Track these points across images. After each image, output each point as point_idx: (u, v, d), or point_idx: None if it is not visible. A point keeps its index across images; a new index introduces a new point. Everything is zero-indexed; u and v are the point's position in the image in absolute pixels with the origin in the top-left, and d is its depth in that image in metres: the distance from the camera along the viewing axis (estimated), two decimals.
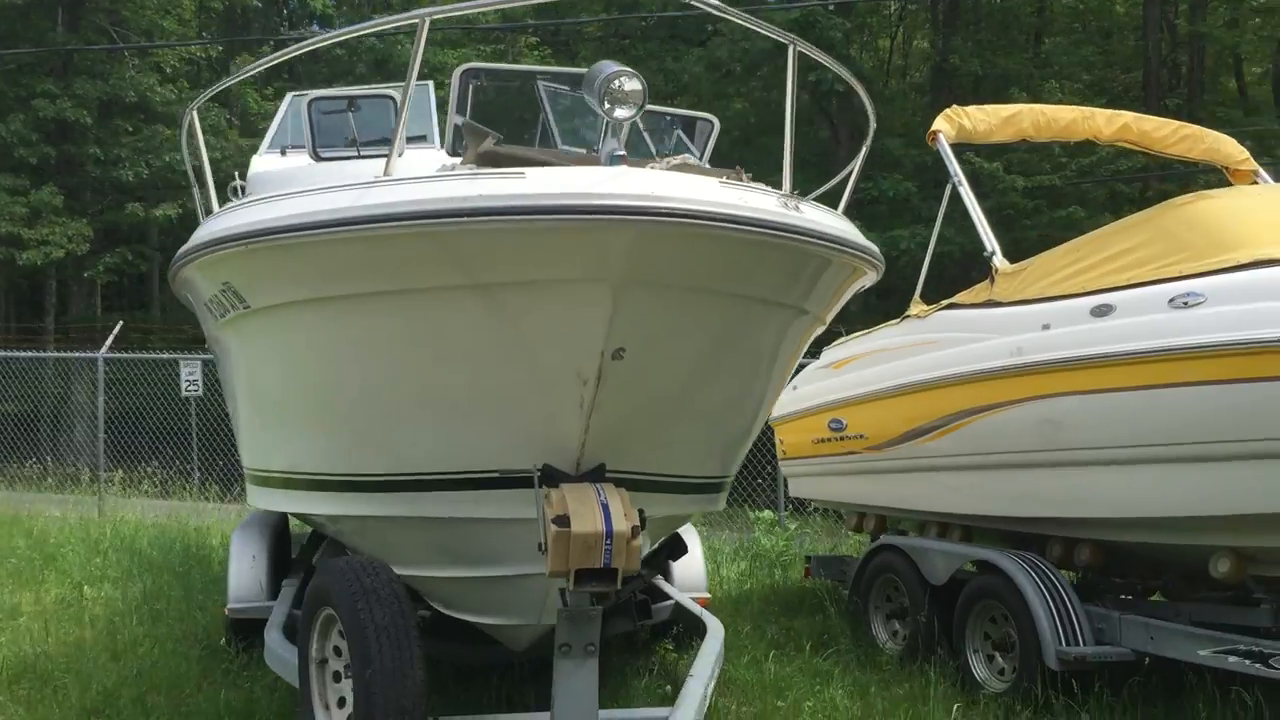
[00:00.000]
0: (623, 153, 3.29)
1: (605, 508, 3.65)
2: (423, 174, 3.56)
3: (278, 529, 7.64)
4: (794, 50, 3.74)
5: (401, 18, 3.54)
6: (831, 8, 22.08)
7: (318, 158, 5.73)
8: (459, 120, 3.68)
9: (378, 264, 3.59)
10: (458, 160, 4.87)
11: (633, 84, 3.29)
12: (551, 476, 3.85)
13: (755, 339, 3.86)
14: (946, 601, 7.13)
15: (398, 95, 5.70)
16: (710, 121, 5.87)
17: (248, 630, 7.18)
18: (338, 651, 4.32)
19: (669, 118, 6.31)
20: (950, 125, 7.70)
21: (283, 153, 6.67)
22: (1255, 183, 8.06)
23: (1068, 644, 6.11)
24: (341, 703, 4.29)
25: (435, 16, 3.43)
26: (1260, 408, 5.15)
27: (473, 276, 3.43)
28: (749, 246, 3.33)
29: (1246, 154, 8.26)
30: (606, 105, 3.29)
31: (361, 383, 4.11)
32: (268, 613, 7.02)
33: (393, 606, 3.98)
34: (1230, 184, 8.20)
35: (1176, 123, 8.49)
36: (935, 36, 25.96)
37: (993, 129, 7.86)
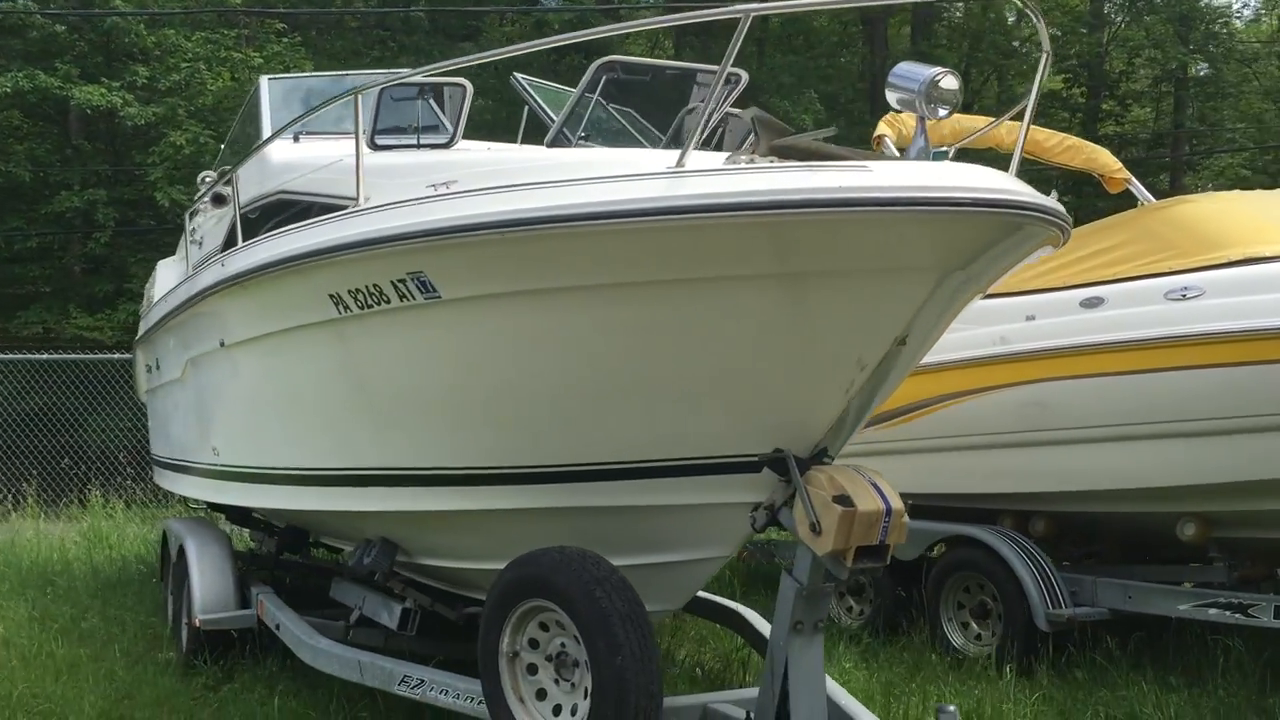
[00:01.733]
0: (945, 150, 3.49)
1: (875, 486, 3.84)
2: (720, 167, 3.60)
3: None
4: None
5: (724, 12, 3.56)
6: None
7: (375, 146, 5.55)
8: (754, 113, 3.71)
9: (668, 254, 3.63)
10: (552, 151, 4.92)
11: (952, 83, 3.49)
12: (785, 461, 4.00)
13: (952, 314, 4.08)
14: (911, 578, 7.62)
15: (467, 82, 5.62)
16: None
17: (221, 642, 6.82)
18: (533, 644, 4.28)
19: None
20: (892, 129, 8.22)
21: (296, 139, 6.38)
22: (1128, 190, 9.00)
23: (1054, 607, 6.71)
24: (541, 695, 4.25)
25: (759, 13, 3.49)
26: (1253, 388, 5.90)
27: (785, 265, 3.52)
28: (1008, 227, 3.56)
29: (1120, 164, 9.22)
30: (930, 105, 3.47)
31: (577, 372, 4.10)
32: (242, 622, 6.74)
33: (628, 593, 4.01)
34: (1107, 190, 9.16)
35: (1061, 134, 9.37)
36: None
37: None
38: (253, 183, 5.90)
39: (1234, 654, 6.21)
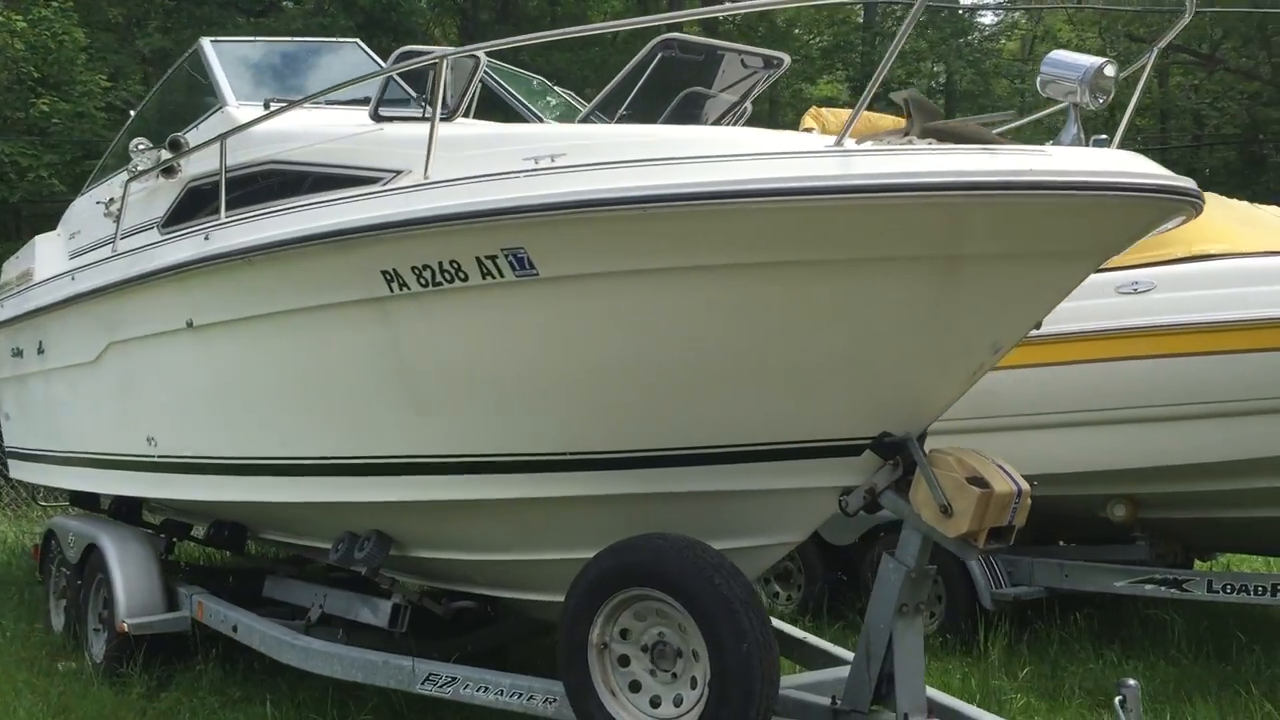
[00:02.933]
0: (1104, 136, 3.57)
1: (1001, 467, 3.90)
2: (885, 148, 3.56)
3: None
4: None
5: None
6: None
7: (378, 117, 5.23)
8: (908, 94, 3.66)
9: (821, 233, 3.57)
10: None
11: (1112, 71, 3.57)
12: (893, 444, 4.02)
13: None
14: (848, 562, 7.79)
15: (482, 54, 5.39)
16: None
17: (151, 648, 6.33)
18: (624, 634, 4.15)
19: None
20: (818, 123, 8.36)
21: (266, 105, 5.90)
22: None
23: (997, 587, 7.01)
24: (635, 687, 4.12)
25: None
26: (1195, 377, 6.33)
27: (947, 248, 3.52)
28: (1170, 211, 3.67)
29: None
30: (1092, 94, 3.54)
31: (685, 354, 3.98)
32: (176, 625, 6.31)
33: (742, 579, 3.95)
34: None
35: None
36: None
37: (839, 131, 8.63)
38: (231, 151, 5.45)
39: (1176, 626, 6.63)
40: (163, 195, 6.24)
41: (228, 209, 5.44)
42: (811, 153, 3.60)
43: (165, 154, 6.10)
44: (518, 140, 4.38)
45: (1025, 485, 3.89)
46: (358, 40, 6.89)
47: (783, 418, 4.10)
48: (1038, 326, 3.88)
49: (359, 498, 5.11)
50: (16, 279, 8.17)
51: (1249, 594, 6.57)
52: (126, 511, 7.61)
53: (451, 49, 4.41)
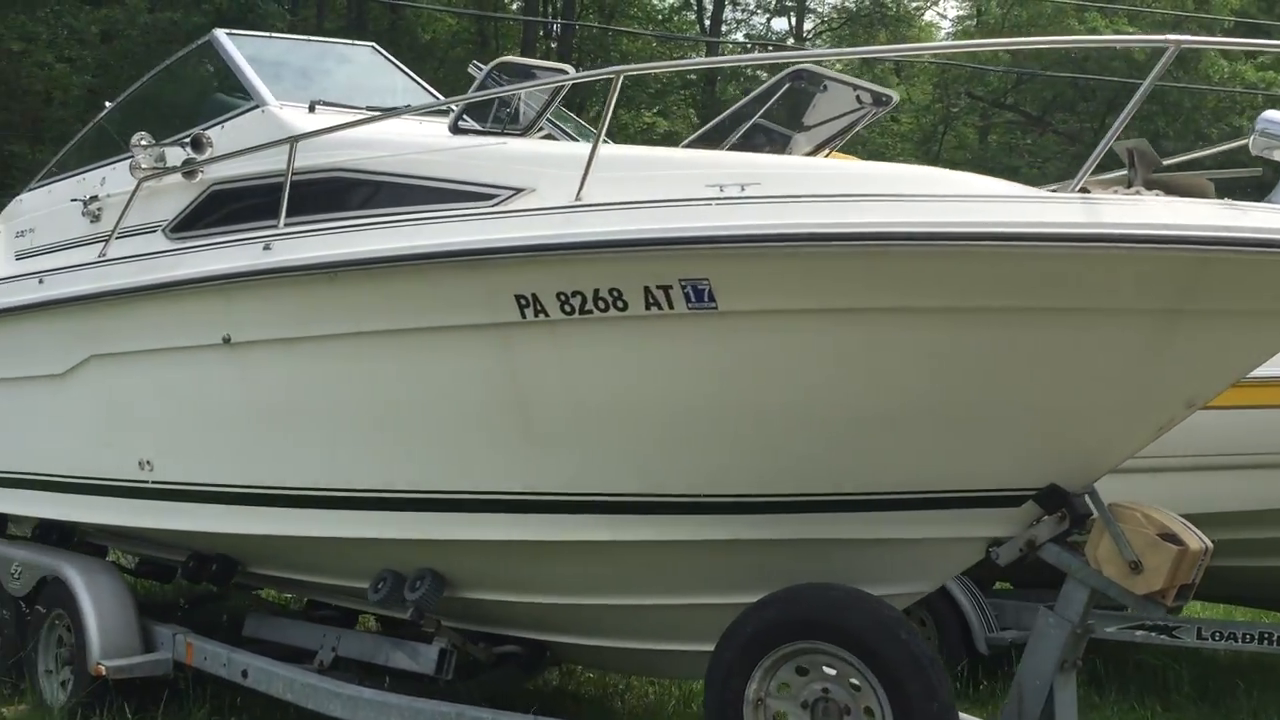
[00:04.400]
0: None
1: (1185, 524, 3.88)
2: (1119, 196, 3.48)
3: None
4: None
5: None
6: None
7: (457, 129, 4.90)
8: (1134, 144, 3.56)
9: (1045, 280, 3.47)
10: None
11: None
12: (1062, 496, 3.96)
13: None
14: None
15: (570, 69, 5.14)
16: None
17: (127, 692, 5.77)
18: (781, 689, 3.94)
19: None
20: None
21: (311, 108, 5.44)
22: None
23: (991, 631, 7.07)
24: None
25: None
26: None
27: (1172, 301, 3.47)
28: None
29: None
30: None
31: (865, 396, 3.83)
32: (158, 668, 5.79)
33: (917, 633, 3.83)
34: None
35: None
36: None
37: None
38: (279, 156, 5.02)
39: (1172, 672, 6.79)
40: (170, 197, 5.71)
41: (275, 217, 5.02)
42: (1053, 198, 3.51)
43: (183, 152, 5.57)
44: (690, 165, 4.15)
45: (1210, 543, 3.88)
46: (374, 45, 6.50)
47: (949, 466, 3.99)
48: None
49: (433, 534, 4.77)
50: None
51: (1237, 640, 6.78)
52: (58, 538, 6.95)
53: (618, 68, 4.13)
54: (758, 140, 5.28)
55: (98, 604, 5.85)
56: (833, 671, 3.88)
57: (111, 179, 6.24)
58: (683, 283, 3.81)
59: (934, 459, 3.98)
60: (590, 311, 4.02)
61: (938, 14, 35.49)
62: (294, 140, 4.85)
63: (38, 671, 6.21)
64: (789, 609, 3.91)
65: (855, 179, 3.81)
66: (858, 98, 4.86)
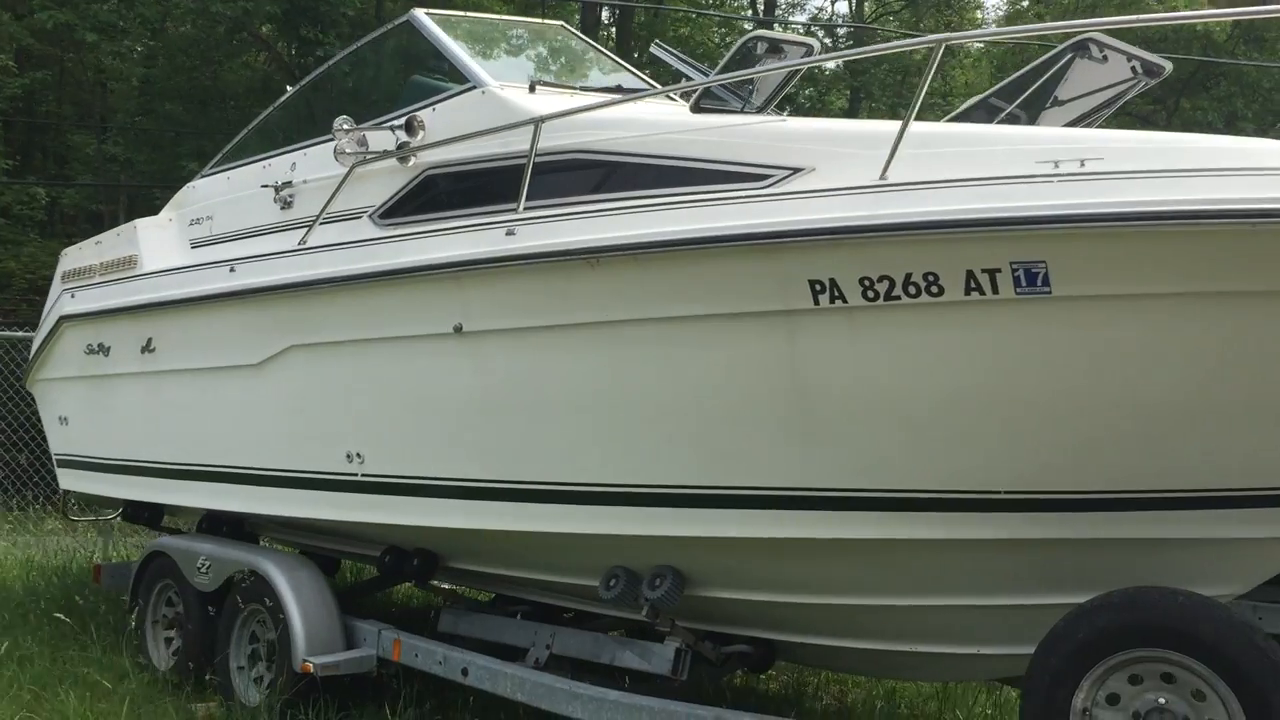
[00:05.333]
0: None
1: None
2: None
3: None
4: None
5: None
6: None
7: (699, 108, 4.69)
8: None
9: None
10: None
11: None
12: None
13: None
14: None
15: (814, 43, 4.92)
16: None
17: (334, 689, 5.64)
18: (1112, 700, 3.71)
19: None
20: None
21: (532, 89, 5.25)
22: None
23: None
24: None
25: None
26: None
27: None
28: None
29: None
30: None
31: (1203, 387, 3.61)
32: (362, 665, 5.64)
33: (1274, 642, 3.59)
34: None
35: None
36: None
37: None
38: (513, 137, 4.83)
39: None
40: (376, 181, 5.54)
41: (506, 201, 4.84)
42: None
43: (388, 135, 5.39)
44: (1012, 141, 3.91)
45: None
46: (564, 24, 6.30)
47: (1258, 462, 3.74)
48: None
49: (686, 531, 4.57)
50: (104, 266, 7.23)
51: None
52: (228, 531, 6.85)
53: (938, 36, 3.90)
54: (976, 116, 5.05)
55: (301, 600, 5.73)
56: (1173, 681, 3.65)
57: (303, 164, 6.08)
58: (1014, 265, 3.59)
59: (1261, 453, 3.74)
60: (898, 297, 3.80)
61: None
62: (538, 121, 4.65)
63: (229, 668, 6.09)
64: (1128, 615, 3.68)
65: (1204, 154, 3.56)
66: (1133, 68, 4.61)
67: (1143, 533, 3.95)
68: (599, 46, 6.24)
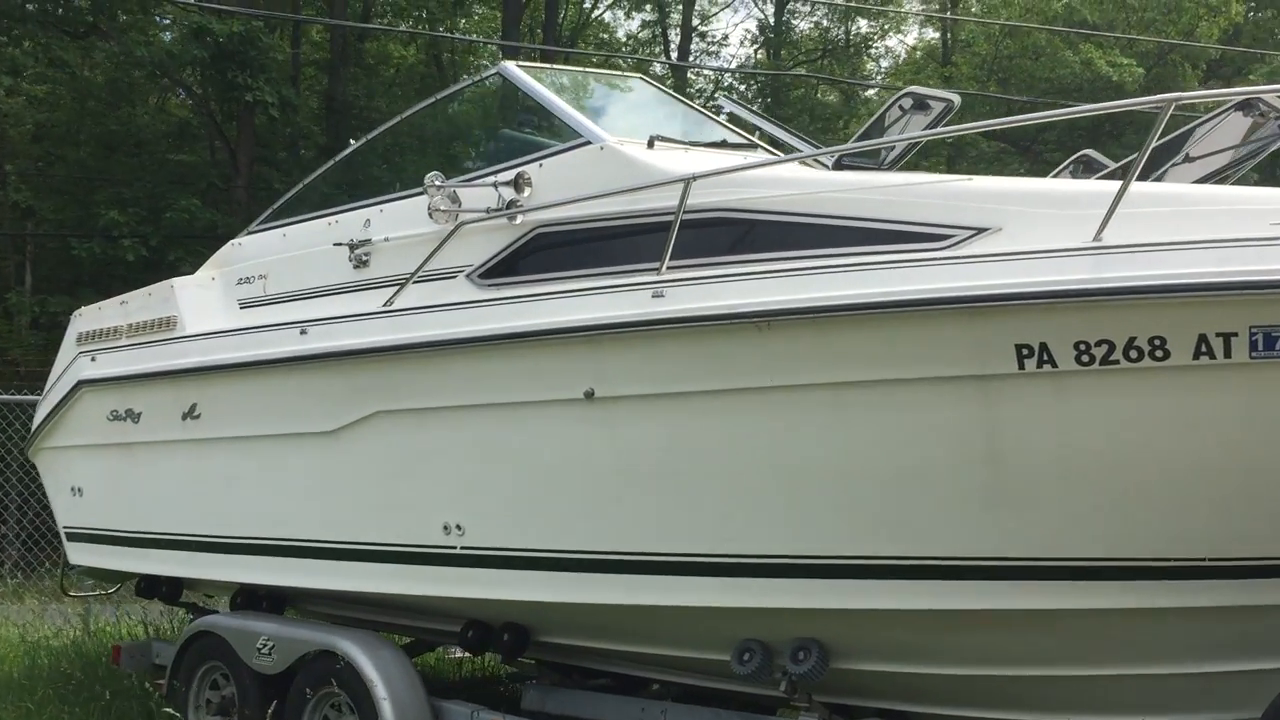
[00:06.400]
0: None
1: None
2: None
3: None
4: None
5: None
6: None
7: (840, 165, 4.58)
8: None
9: None
10: None
11: None
12: None
13: None
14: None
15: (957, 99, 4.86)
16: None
17: None
18: None
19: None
20: None
21: (650, 145, 5.07)
22: None
23: None
24: None
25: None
26: None
27: None
28: None
29: None
30: None
31: None
32: None
33: None
34: None
35: None
36: None
37: None
38: (650, 195, 4.66)
39: None
40: (473, 240, 5.30)
41: (636, 261, 4.67)
42: None
43: (499, 191, 5.17)
44: (1236, 202, 3.86)
45: None
46: (642, 75, 6.16)
47: None
48: None
49: (847, 604, 4.42)
50: (134, 329, 6.82)
51: None
52: (269, 606, 6.49)
53: (1167, 96, 3.84)
54: (1075, 172, 5.03)
55: (389, 683, 5.40)
56: None
57: (379, 221, 5.81)
58: (1254, 329, 3.53)
59: None
60: (1116, 361, 3.71)
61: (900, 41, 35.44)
62: (689, 180, 4.48)
63: None
64: None
65: None
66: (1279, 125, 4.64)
67: None
68: (678, 96, 6.10)
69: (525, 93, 5.49)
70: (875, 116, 4.73)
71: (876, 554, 4.29)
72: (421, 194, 5.43)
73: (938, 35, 33.53)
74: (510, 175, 5.15)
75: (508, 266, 5.16)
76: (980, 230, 4.06)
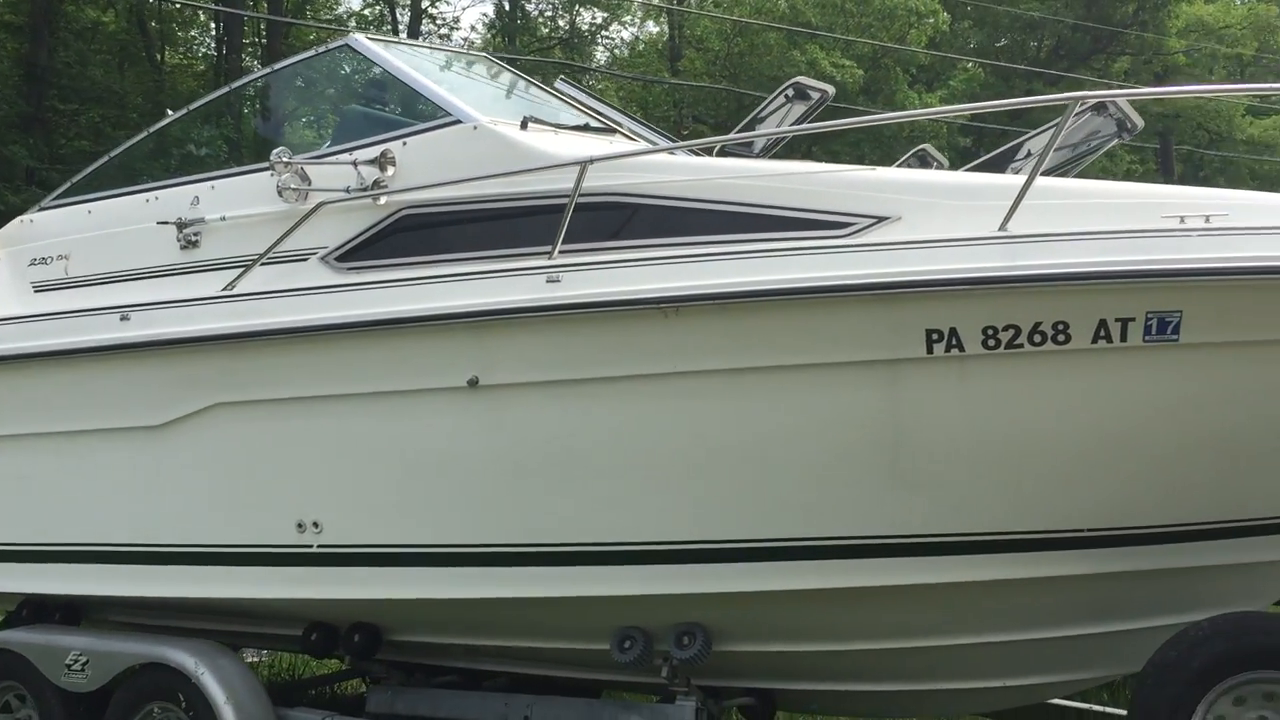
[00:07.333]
0: None
1: None
2: None
3: None
4: None
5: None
6: None
7: (723, 153, 4.59)
8: None
9: None
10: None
11: None
12: None
13: None
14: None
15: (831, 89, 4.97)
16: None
17: None
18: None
19: None
20: None
21: (524, 126, 4.82)
22: None
23: None
24: None
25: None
26: None
27: None
28: None
29: None
30: None
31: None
32: None
33: None
34: None
35: None
36: None
37: None
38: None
39: None
40: (327, 222, 5.00)
41: (515, 245, 4.55)
42: None
43: (358, 170, 4.90)
44: (1133, 196, 4.10)
45: None
46: (488, 54, 5.99)
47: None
48: None
49: (740, 587, 4.46)
50: None
51: None
52: (62, 618, 5.93)
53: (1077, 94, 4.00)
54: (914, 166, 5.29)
55: (232, 694, 5.02)
56: (1274, 699, 3.95)
57: (210, 199, 5.38)
58: (1149, 315, 3.78)
59: None
60: (1020, 345, 3.90)
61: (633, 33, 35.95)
62: (586, 163, 4.38)
63: None
64: (1241, 641, 3.94)
65: None
66: (1118, 121, 4.97)
67: (1194, 562, 4.26)
68: (529, 78, 5.95)
69: (383, 68, 5.21)
70: (764, 105, 4.77)
71: (778, 536, 4.34)
72: (261, 170, 5.09)
73: (658, 30, 34.38)
74: (372, 153, 4.88)
75: (369, 249, 4.89)
76: (881, 219, 4.16)
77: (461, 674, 5.63)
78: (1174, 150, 36.70)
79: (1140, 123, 5.04)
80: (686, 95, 29.51)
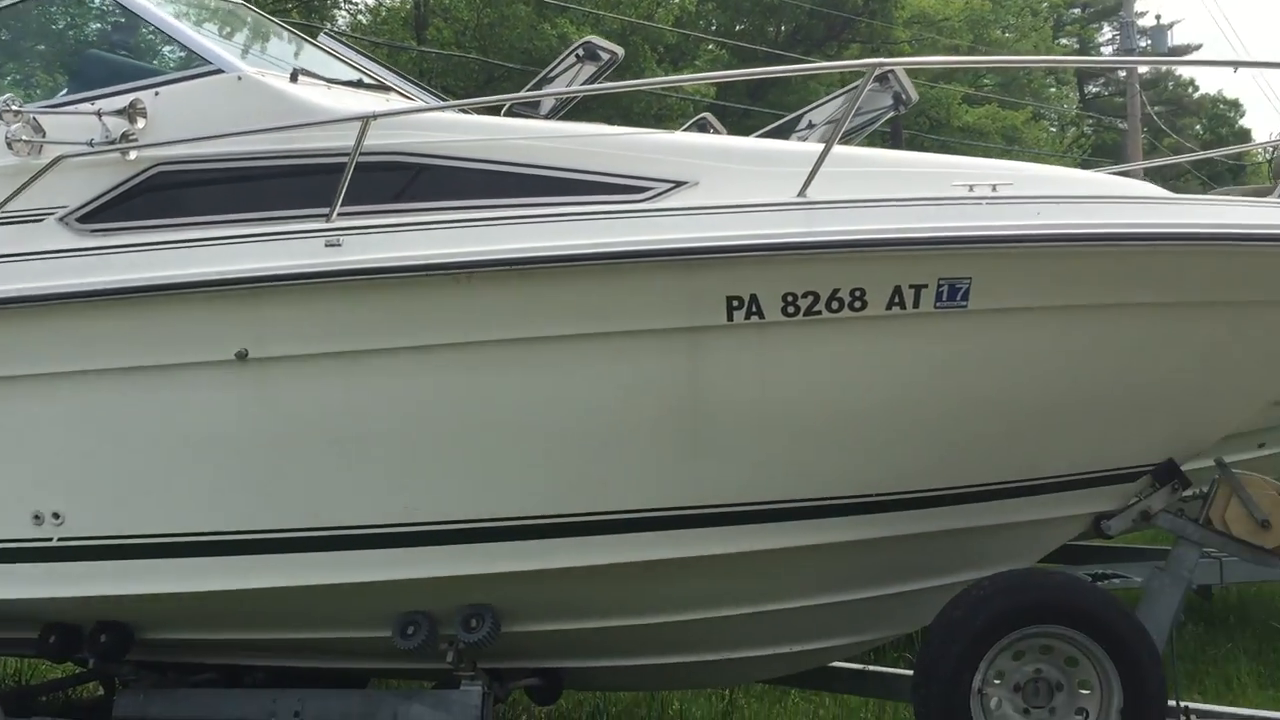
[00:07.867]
0: None
1: None
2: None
3: None
4: None
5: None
6: None
7: (511, 113, 4.36)
8: None
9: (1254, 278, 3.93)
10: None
11: None
12: (1174, 469, 4.48)
13: None
14: None
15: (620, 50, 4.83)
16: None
17: None
18: (998, 676, 4.06)
19: None
20: None
21: (294, 78, 4.38)
22: None
23: None
24: None
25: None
26: None
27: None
28: None
29: None
30: None
31: (1061, 388, 4.03)
32: None
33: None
34: None
35: None
36: None
37: None
38: (316, 134, 4.22)
39: None
40: (66, 178, 4.52)
41: (284, 206, 4.24)
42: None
43: (102, 121, 4.43)
44: (924, 165, 4.12)
45: None
46: (244, 2, 5.56)
47: (1096, 449, 4.36)
48: None
49: (530, 565, 4.31)
50: None
51: None
52: None
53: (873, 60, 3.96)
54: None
55: None
56: (1049, 652, 4.10)
57: None
58: (941, 281, 3.83)
59: (1081, 444, 4.33)
60: (818, 312, 3.89)
61: None
62: (368, 119, 4.09)
63: None
64: (1021, 598, 4.08)
65: (1094, 185, 4.05)
66: (895, 94, 5.05)
67: (971, 522, 4.40)
68: (288, 26, 5.54)
69: (130, 9, 4.71)
70: (555, 65, 4.58)
71: (574, 511, 4.20)
72: None
73: None
74: (120, 103, 4.41)
75: (116, 209, 4.43)
76: (678, 184, 4.07)
77: (220, 671, 5.24)
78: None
79: (915, 96, 5.14)
80: (435, 65, 28.85)
